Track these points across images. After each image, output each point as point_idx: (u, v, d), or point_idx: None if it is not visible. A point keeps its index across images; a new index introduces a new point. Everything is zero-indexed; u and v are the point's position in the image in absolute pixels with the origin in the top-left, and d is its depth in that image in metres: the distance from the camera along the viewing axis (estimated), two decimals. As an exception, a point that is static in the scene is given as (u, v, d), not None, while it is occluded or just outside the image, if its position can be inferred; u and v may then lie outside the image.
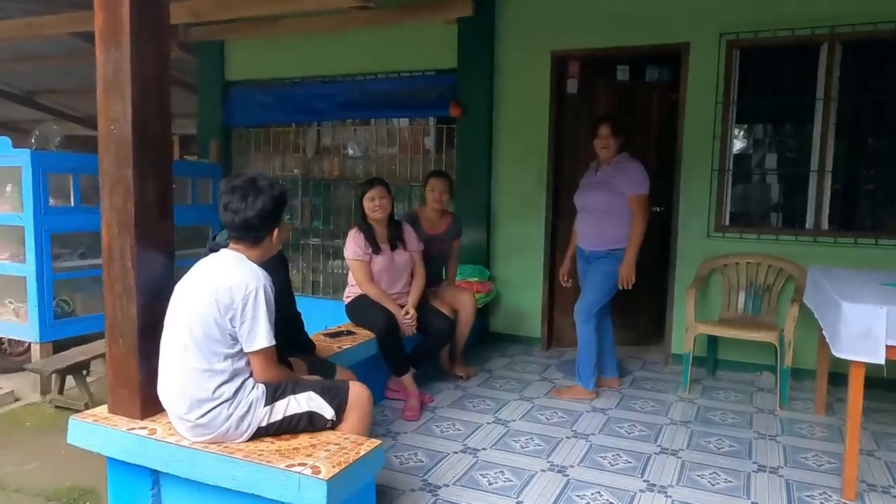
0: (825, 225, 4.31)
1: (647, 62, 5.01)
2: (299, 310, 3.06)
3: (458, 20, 5.07)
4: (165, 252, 2.37)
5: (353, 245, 3.79)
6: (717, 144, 4.48)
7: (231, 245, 2.25)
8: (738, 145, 4.62)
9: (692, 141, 4.56)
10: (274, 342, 2.17)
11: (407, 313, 3.75)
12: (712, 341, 4.50)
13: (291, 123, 6.17)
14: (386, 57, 5.56)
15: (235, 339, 2.14)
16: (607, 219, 3.88)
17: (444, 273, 4.44)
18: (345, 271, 6.16)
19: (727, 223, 4.57)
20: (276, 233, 2.24)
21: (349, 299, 3.94)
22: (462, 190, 4.98)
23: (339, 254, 6.11)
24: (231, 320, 2.11)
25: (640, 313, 5.24)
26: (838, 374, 3.72)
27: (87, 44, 6.09)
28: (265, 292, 2.13)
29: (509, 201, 5.15)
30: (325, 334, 3.67)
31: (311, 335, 3.75)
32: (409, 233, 3.98)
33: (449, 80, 5.30)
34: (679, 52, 4.59)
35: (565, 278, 4.27)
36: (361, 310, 3.80)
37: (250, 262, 2.19)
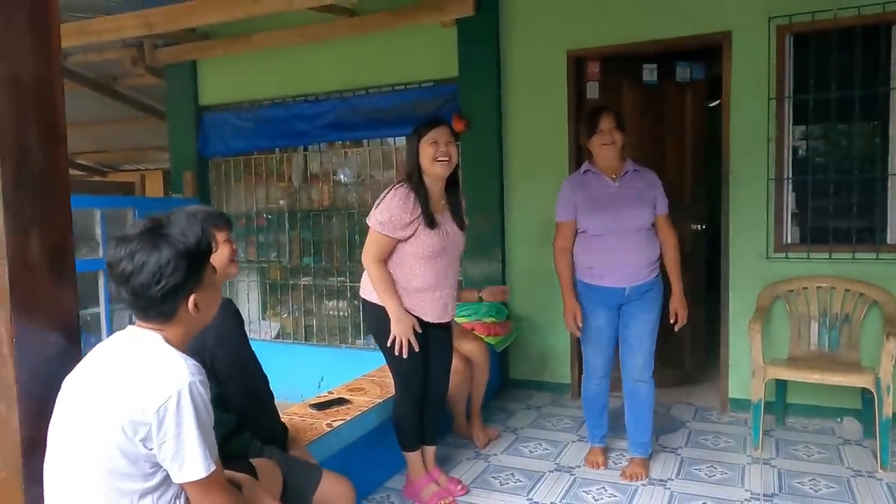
0: (911, 238, 3.59)
1: (678, 59, 4.32)
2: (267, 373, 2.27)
3: (457, 22, 4.43)
4: (64, 331, 1.66)
5: (393, 208, 2.60)
6: (771, 149, 3.78)
7: (137, 323, 1.48)
8: (799, 149, 3.90)
9: (741, 146, 3.86)
10: (215, 466, 1.41)
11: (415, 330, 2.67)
12: (781, 384, 3.75)
13: (274, 149, 5.51)
14: (377, 69, 4.90)
15: (156, 465, 1.40)
16: (649, 242, 3.03)
17: None
18: (342, 313, 5.52)
19: (789, 241, 3.84)
20: (193, 299, 1.45)
21: (373, 298, 2.74)
22: (470, 214, 4.27)
23: (334, 294, 5.41)
24: (144, 442, 1.36)
25: (683, 349, 4.50)
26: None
27: None
28: (192, 395, 1.36)
29: (526, 225, 4.44)
30: (312, 404, 2.93)
31: (297, 402, 3.06)
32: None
33: (450, 91, 4.63)
34: (718, 44, 3.91)
35: (579, 325, 3.12)
36: (388, 330, 2.69)
37: (168, 348, 1.42)
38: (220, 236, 2.07)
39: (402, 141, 4.97)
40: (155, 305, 1.41)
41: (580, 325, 3.10)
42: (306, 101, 5.21)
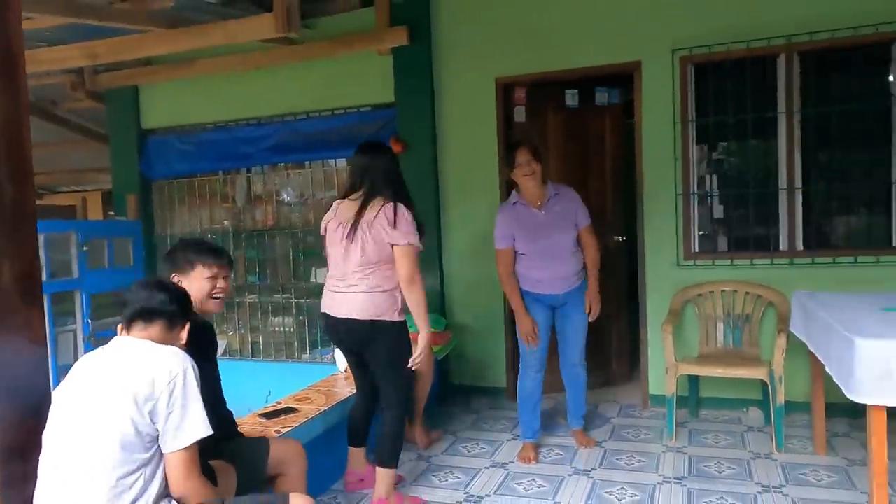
0: (800, 245, 4.03)
1: (597, 85, 4.72)
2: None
3: (392, 51, 4.70)
4: (34, 350, 1.84)
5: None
6: (678, 167, 4.19)
7: (135, 333, 1.81)
8: (702, 166, 4.33)
9: (652, 164, 4.26)
10: (211, 430, 1.75)
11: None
12: (693, 379, 4.14)
13: (218, 171, 5.65)
14: (317, 94, 5.13)
15: (154, 441, 1.70)
16: (576, 254, 3.54)
17: None
18: (288, 329, 5.68)
19: (697, 250, 4.25)
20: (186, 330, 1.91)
21: (391, 317, 2.92)
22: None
23: (280, 310, 5.57)
24: (151, 415, 1.67)
25: (610, 352, 4.86)
26: (831, 405, 3.42)
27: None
28: (195, 374, 1.75)
29: (462, 240, 4.74)
30: (260, 414, 3.13)
31: (245, 414, 3.24)
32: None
33: (388, 115, 4.90)
34: (630, 72, 4.31)
35: (533, 338, 3.52)
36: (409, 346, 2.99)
37: (163, 345, 1.79)
38: (205, 272, 2.25)
39: (343, 163, 5.23)
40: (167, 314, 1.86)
41: (537, 336, 3.52)
42: (249, 124, 5.39)
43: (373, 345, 2.92)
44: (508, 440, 3.89)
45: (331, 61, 4.95)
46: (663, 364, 3.92)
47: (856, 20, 3.78)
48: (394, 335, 2.93)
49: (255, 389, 5.22)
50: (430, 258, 4.71)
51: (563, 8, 4.38)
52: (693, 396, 4.17)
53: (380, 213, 2.84)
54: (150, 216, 5.76)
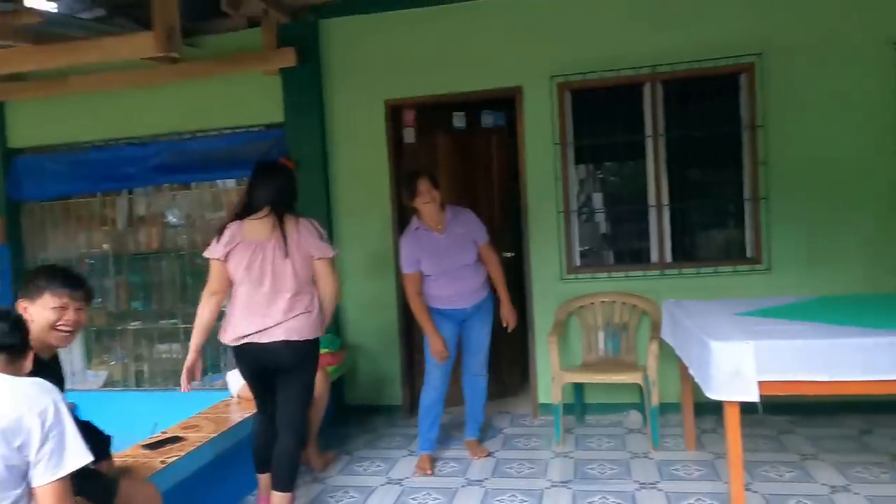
0: (669, 258, 4.38)
1: (483, 108, 4.92)
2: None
3: (281, 71, 4.69)
4: None
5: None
6: (559, 186, 4.44)
7: None
8: (579, 186, 4.62)
9: (535, 184, 4.49)
10: (91, 456, 1.68)
11: None
12: (578, 387, 4.37)
13: (96, 193, 5.37)
14: (205, 113, 5.02)
15: (24, 474, 1.61)
16: (478, 270, 3.77)
17: None
18: (175, 356, 5.45)
19: (578, 264, 4.51)
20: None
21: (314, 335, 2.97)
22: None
23: (166, 336, 5.35)
24: (21, 448, 1.58)
25: (502, 363, 5.03)
26: (700, 404, 3.70)
27: None
28: (64, 402, 1.67)
29: (356, 259, 4.76)
30: (144, 445, 3.01)
31: (129, 447, 3.10)
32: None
33: (277, 135, 4.87)
34: (513, 97, 4.54)
35: (444, 355, 3.67)
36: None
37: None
38: (52, 301, 2.10)
39: (232, 183, 5.14)
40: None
41: (448, 354, 3.68)
42: (131, 144, 5.17)
43: (302, 365, 2.93)
44: (404, 456, 3.94)
45: (218, 80, 4.85)
46: (551, 374, 4.12)
47: (709, 53, 4.18)
48: (316, 354, 3.04)
49: (140, 421, 4.97)
50: (324, 278, 4.70)
51: (449, 35, 4.55)
52: (579, 403, 4.40)
53: (302, 230, 2.90)
54: (17, 240, 5.38)
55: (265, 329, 2.85)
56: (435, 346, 3.66)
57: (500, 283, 3.81)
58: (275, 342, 2.84)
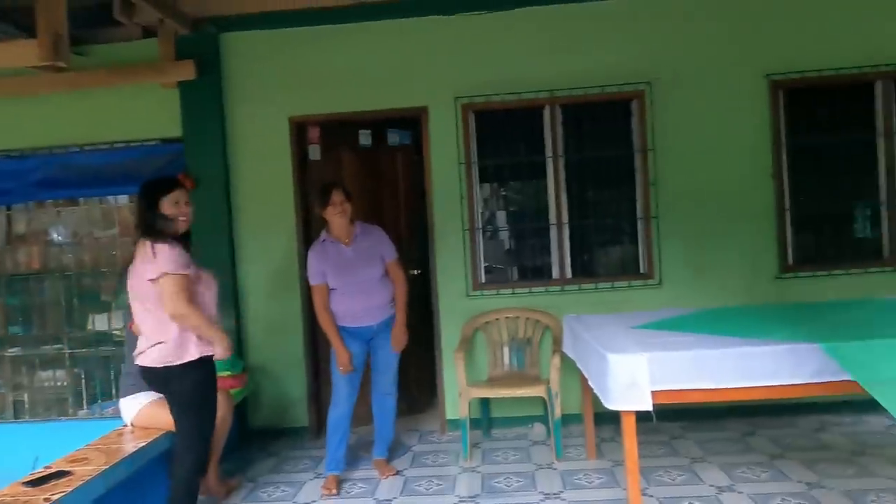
0: (569, 274, 4.55)
1: (389, 126, 4.96)
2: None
3: (179, 84, 4.53)
4: None
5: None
6: (464, 204, 4.53)
7: None
8: (484, 204, 4.73)
9: (441, 202, 4.56)
10: None
11: None
12: (485, 402, 4.45)
13: (-33, 209, 4.96)
14: (96, 126, 4.74)
15: None
16: (384, 286, 3.75)
17: None
18: (60, 383, 5.08)
19: (483, 281, 4.61)
20: None
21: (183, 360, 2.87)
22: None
23: (50, 363, 4.99)
24: None
25: (410, 381, 5.03)
26: (599, 414, 3.86)
27: None
28: None
29: (259, 278, 4.64)
30: (25, 482, 2.78)
31: (6, 485, 2.86)
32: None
33: (176, 150, 4.68)
34: (419, 116, 4.60)
35: (349, 367, 3.65)
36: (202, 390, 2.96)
37: None
38: None
39: (125, 199, 4.88)
40: None
41: (352, 367, 3.66)
42: (10, 157, 4.82)
43: (171, 394, 2.93)
44: (311, 479, 3.85)
45: (110, 92, 4.61)
46: (458, 390, 4.16)
47: (604, 80, 4.42)
48: (179, 383, 2.91)
49: (19, 455, 4.59)
50: (225, 297, 4.53)
51: (355, 54, 4.56)
52: (485, 418, 4.47)
53: (139, 254, 2.85)
54: None
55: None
56: (341, 359, 3.63)
57: (402, 303, 3.80)
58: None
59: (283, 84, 4.60)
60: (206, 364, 2.94)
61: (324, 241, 3.71)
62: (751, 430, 4.19)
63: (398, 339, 3.78)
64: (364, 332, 3.72)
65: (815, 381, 2.65)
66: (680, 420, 4.36)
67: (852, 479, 3.35)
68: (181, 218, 2.92)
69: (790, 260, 4.45)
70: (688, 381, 2.69)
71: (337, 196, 3.62)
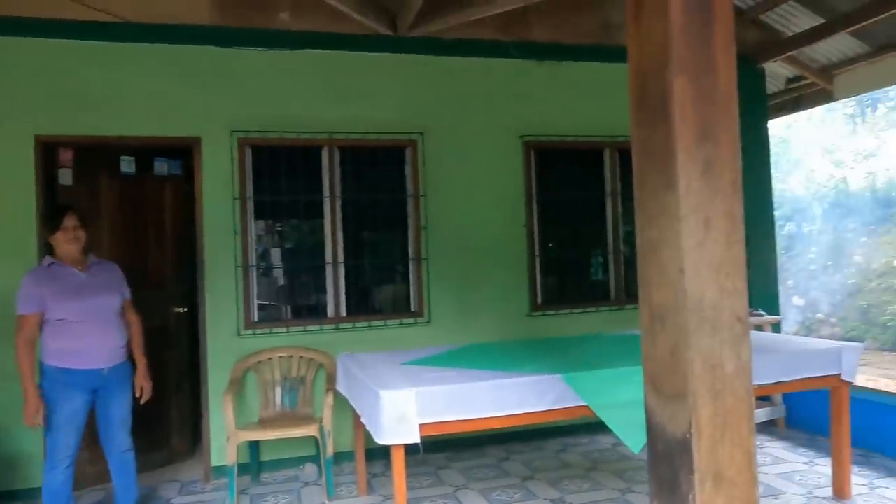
0: (344, 312, 4.63)
1: (157, 154, 4.66)
2: None
3: None
4: None
5: None
6: (238, 240, 4.40)
7: None
8: (260, 241, 4.64)
9: (213, 237, 4.38)
10: None
11: None
12: (254, 445, 4.29)
13: None
14: None
15: None
16: (120, 326, 3.37)
17: None
18: None
19: (256, 319, 4.49)
20: None
21: None
22: None
23: None
24: None
25: (170, 428, 4.67)
26: (371, 450, 3.96)
27: None
28: None
29: None
30: None
31: None
32: None
33: None
34: (191, 146, 4.40)
35: (37, 420, 3.13)
36: None
37: None
38: None
39: None
40: None
41: (40, 422, 3.15)
42: None
43: None
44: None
45: None
46: (225, 434, 3.97)
47: (380, 127, 4.66)
48: None
49: None
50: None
51: (119, 75, 4.24)
52: (255, 461, 4.31)
53: None
54: None
55: None
56: (29, 408, 3.10)
57: (139, 346, 3.48)
58: None
59: (30, 98, 4.11)
60: None
61: (50, 264, 3.25)
62: (506, 455, 4.58)
63: (144, 387, 3.45)
64: (91, 376, 3.23)
65: (556, 407, 3.02)
66: (445, 451, 4.62)
67: (587, 492, 3.84)
68: None
69: (539, 300, 5.02)
70: (450, 413, 2.89)
71: (70, 220, 3.24)
